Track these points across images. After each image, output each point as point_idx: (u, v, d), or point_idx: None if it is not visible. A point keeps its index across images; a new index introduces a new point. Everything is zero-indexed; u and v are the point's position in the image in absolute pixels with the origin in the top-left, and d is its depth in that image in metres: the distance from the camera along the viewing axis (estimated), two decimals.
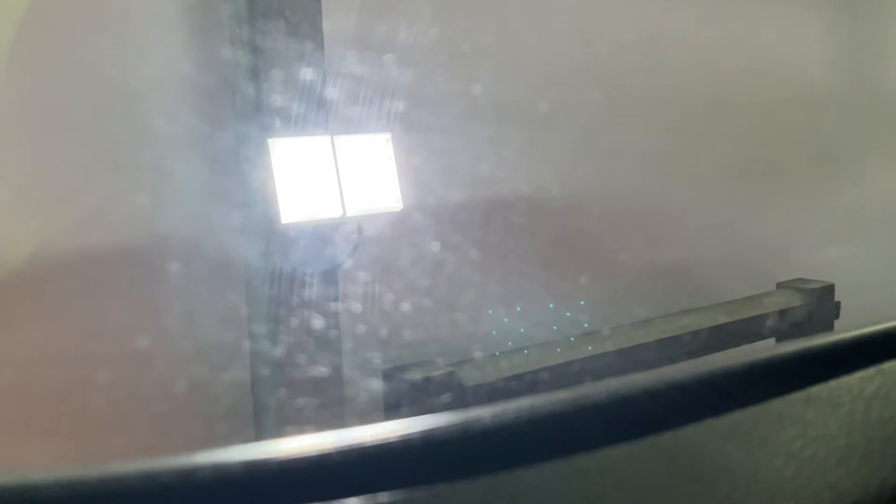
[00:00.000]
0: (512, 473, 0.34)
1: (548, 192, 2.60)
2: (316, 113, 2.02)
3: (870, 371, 0.45)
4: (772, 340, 2.88)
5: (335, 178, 1.98)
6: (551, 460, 0.35)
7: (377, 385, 2.23)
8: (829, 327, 2.94)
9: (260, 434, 2.13)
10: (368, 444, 0.33)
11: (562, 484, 0.34)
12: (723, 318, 2.74)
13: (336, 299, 2.10)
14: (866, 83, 3.57)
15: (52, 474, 0.29)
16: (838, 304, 3.02)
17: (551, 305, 2.57)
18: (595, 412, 0.38)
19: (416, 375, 2.15)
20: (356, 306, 2.23)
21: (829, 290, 2.98)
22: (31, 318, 1.90)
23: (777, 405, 0.42)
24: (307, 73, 2.00)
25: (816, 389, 0.44)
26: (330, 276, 2.08)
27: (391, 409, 2.18)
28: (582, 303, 2.61)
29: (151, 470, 0.30)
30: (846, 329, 0.49)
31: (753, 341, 2.80)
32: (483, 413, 0.35)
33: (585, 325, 2.58)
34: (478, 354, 2.37)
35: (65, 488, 0.29)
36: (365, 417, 2.18)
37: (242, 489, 0.31)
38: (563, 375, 2.35)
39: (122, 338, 1.96)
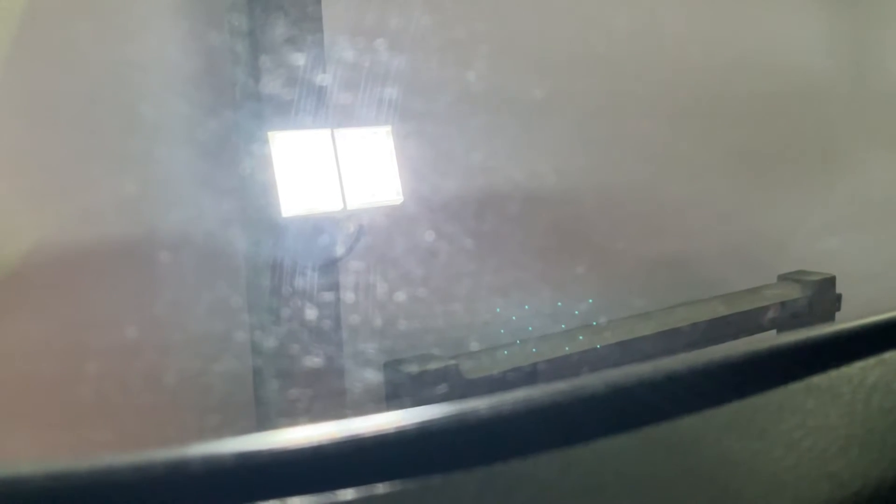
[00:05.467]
0: (508, 464, 0.33)
1: (550, 184, 2.59)
2: (316, 106, 2.01)
3: (870, 361, 0.45)
4: (773, 332, 2.88)
5: (335, 171, 1.98)
6: (548, 451, 0.35)
7: (378, 378, 2.23)
8: (830, 319, 2.94)
9: (261, 425, 2.13)
10: (363, 436, 0.33)
11: (558, 475, 0.34)
12: (724, 310, 2.74)
13: (337, 292, 2.10)
14: (867, 74, 3.55)
15: (40, 467, 0.29)
16: (839, 296, 3.01)
17: (559, 304, 2.57)
18: (593, 403, 0.38)
19: (417, 368, 2.15)
20: (357, 299, 2.22)
21: (830, 281, 2.98)
22: (36, 312, 1.90)
23: (777, 395, 0.42)
24: (307, 66, 1.99)
25: (816, 380, 0.43)
26: (330, 270, 2.08)
27: (392, 401, 2.18)
28: (590, 300, 2.61)
29: (142, 462, 0.30)
30: (847, 320, 0.49)
31: (754, 333, 2.79)
32: (479, 404, 0.35)
33: (593, 324, 2.57)
34: (480, 347, 2.37)
35: (53, 481, 0.28)
36: (366, 410, 2.18)
37: (234, 481, 0.30)
38: (564, 368, 2.35)
39: (123, 330, 1.96)
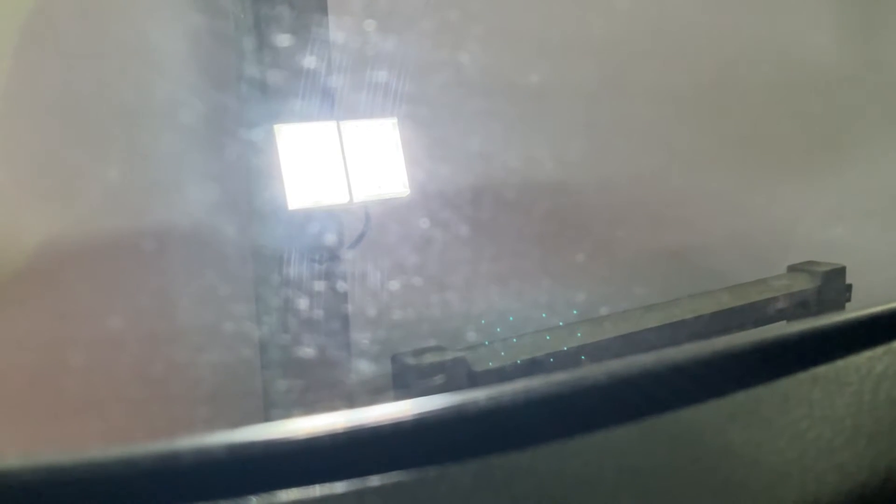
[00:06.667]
0: (506, 456, 0.33)
1: (561, 175, 2.58)
2: (321, 98, 2.01)
3: (878, 350, 0.44)
4: (782, 324, 2.86)
5: (342, 163, 1.97)
6: (548, 443, 0.34)
7: (386, 370, 2.23)
8: (840, 310, 2.92)
9: (269, 417, 2.13)
10: (358, 428, 0.32)
11: (558, 466, 0.33)
12: (731, 302, 2.72)
13: (343, 284, 2.10)
14: (877, 61, 3.52)
15: (26, 460, 0.28)
16: (850, 286, 2.99)
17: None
18: (594, 394, 0.37)
19: (424, 360, 2.15)
20: (364, 291, 2.22)
21: (840, 272, 2.96)
22: (45, 305, 1.90)
23: (782, 385, 0.41)
24: (312, 59, 1.99)
25: (823, 369, 0.43)
26: (337, 262, 2.08)
27: (400, 393, 2.19)
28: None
29: (132, 455, 0.29)
30: (855, 308, 0.48)
31: (763, 325, 2.78)
32: (478, 395, 0.35)
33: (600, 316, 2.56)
34: (488, 339, 2.36)
35: (39, 475, 0.28)
36: (373, 402, 2.17)
37: (225, 474, 0.30)
38: (570, 359, 2.34)
39: (131, 323, 1.96)
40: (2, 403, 1.82)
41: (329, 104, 2.03)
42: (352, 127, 2.00)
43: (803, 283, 2.90)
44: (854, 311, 0.48)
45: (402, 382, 2.18)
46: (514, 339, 2.36)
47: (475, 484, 0.32)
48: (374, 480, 0.31)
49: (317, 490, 0.30)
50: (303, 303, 2.02)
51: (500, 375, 2.22)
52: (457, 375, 2.16)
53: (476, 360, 2.22)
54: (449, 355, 2.18)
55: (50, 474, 0.28)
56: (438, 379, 2.10)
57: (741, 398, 0.40)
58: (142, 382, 1.96)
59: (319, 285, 2.04)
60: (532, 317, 2.50)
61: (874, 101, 3.49)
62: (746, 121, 3.09)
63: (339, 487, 0.30)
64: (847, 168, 3.40)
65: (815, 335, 0.45)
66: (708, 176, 3.00)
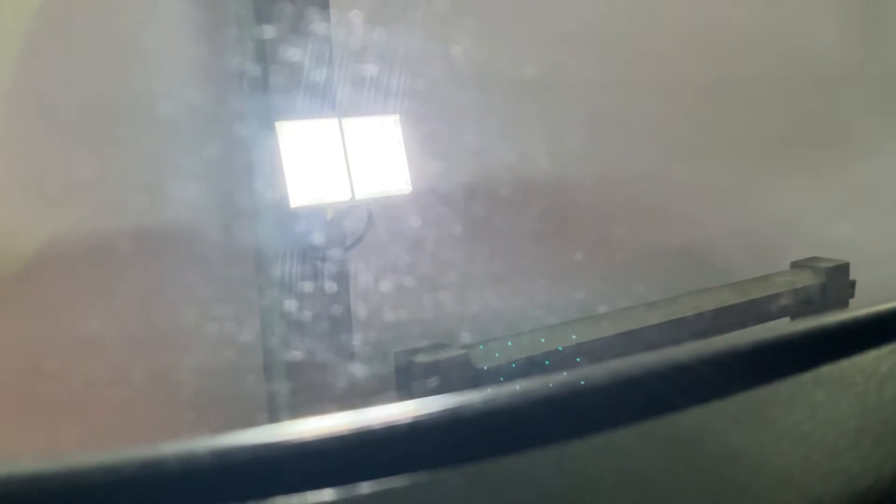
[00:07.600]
0: (501, 460, 0.32)
1: (564, 172, 2.57)
2: (323, 95, 2.00)
3: (884, 350, 0.43)
4: (786, 320, 2.85)
5: (344, 161, 1.97)
6: (546, 446, 0.33)
7: (389, 368, 2.22)
8: (844, 306, 2.91)
9: (273, 418, 2.13)
10: (351, 432, 0.31)
11: (554, 471, 0.33)
12: (735, 299, 2.71)
13: (346, 283, 2.10)
14: (881, 56, 3.51)
15: (11, 467, 0.28)
16: (853, 282, 2.98)
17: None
18: (593, 395, 0.37)
19: (427, 358, 2.15)
20: (367, 289, 2.22)
21: (843, 268, 2.95)
22: (50, 304, 1.90)
23: (786, 386, 0.40)
24: (314, 56, 1.98)
25: (827, 369, 0.42)
26: (339, 259, 2.07)
27: (402, 391, 2.18)
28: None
29: (126, 460, 0.29)
30: (860, 307, 0.47)
31: (766, 322, 2.77)
32: (474, 398, 0.34)
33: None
34: (491, 337, 2.35)
35: (24, 483, 0.27)
36: (376, 400, 2.17)
37: (214, 480, 0.29)
38: (572, 357, 2.34)
39: (135, 323, 1.96)
40: (4, 406, 1.82)
41: (331, 101, 2.02)
42: (354, 124, 1.99)
43: (807, 280, 2.89)
44: (858, 309, 0.47)
45: (405, 380, 2.17)
46: (518, 337, 2.36)
47: (470, 490, 0.31)
48: (368, 486, 0.30)
49: (308, 497, 0.29)
50: (305, 301, 2.01)
51: (503, 373, 2.21)
52: (460, 373, 2.15)
53: (479, 357, 2.22)
54: (451, 353, 2.17)
55: (41, 480, 0.28)
56: (440, 377, 2.10)
57: (744, 399, 0.39)
58: (142, 384, 1.96)
59: (321, 283, 2.03)
60: (536, 314, 2.49)
61: (878, 98, 3.47)
62: (749, 117, 3.08)
63: (331, 494, 0.30)
64: (850, 164, 3.38)
65: (819, 334, 0.44)
66: (710, 172, 2.98)
